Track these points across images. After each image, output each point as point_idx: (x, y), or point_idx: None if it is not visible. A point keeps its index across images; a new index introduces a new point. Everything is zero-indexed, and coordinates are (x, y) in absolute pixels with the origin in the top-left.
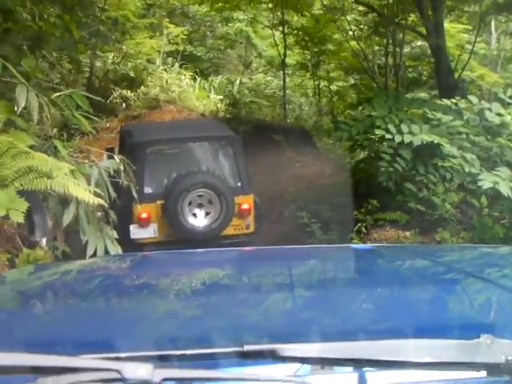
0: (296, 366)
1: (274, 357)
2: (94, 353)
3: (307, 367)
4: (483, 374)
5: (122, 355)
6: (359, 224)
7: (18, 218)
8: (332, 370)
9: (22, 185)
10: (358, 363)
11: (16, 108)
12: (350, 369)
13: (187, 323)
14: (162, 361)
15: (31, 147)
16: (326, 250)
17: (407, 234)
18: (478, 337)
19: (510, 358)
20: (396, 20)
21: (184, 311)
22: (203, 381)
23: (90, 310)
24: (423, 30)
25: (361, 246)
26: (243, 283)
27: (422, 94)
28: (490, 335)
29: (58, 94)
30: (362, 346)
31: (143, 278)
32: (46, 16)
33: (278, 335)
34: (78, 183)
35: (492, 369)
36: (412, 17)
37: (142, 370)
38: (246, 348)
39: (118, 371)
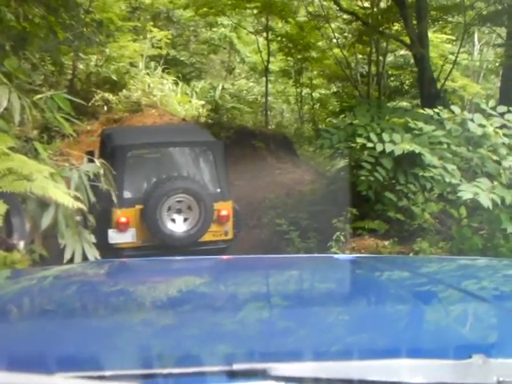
0: None
1: (265, 376)
2: (74, 370)
3: None
4: None
5: (106, 373)
6: (338, 232)
7: None
8: None
9: (1, 187)
10: None
11: None
12: None
13: (171, 337)
14: (147, 380)
15: (11, 149)
16: (309, 260)
17: (386, 243)
18: (470, 356)
19: (501, 378)
20: (380, 29)
21: (167, 324)
22: None
23: (68, 321)
24: (407, 40)
25: (343, 256)
26: (226, 294)
27: (404, 103)
28: (481, 355)
29: (40, 95)
30: (355, 365)
31: (123, 286)
32: (30, 16)
33: (267, 353)
34: (57, 186)
35: None
36: (396, 26)
37: None
38: (236, 367)
39: None
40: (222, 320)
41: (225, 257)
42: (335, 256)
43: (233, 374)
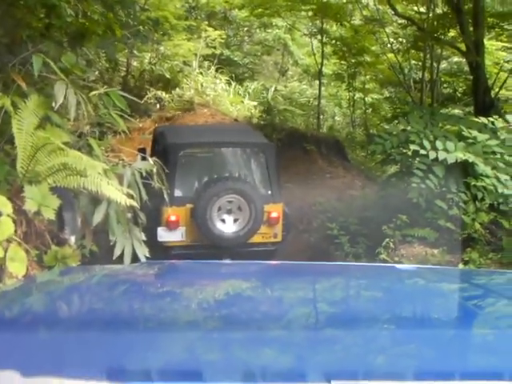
0: None
1: None
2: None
3: None
4: None
5: None
6: (387, 239)
7: (49, 214)
8: None
9: (54, 181)
10: None
11: (54, 104)
12: None
13: (255, 350)
14: None
15: (66, 144)
16: (370, 269)
17: (435, 251)
18: None
19: None
20: (435, 35)
21: (244, 335)
22: None
23: (130, 326)
24: (462, 47)
25: (406, 266)
26: (289, 301)
27: (456, 111)
28: None
29: (96, 92)
30: None
31: (176, 288)
32: (89, 13)
33: (363, 371)
34: (110, 183)
35: None
36: (452, 32)
37: None
38: (334, 383)
39: None
40: (312, 336)
41: (273, 262)
42: (397, 266)
43: None
